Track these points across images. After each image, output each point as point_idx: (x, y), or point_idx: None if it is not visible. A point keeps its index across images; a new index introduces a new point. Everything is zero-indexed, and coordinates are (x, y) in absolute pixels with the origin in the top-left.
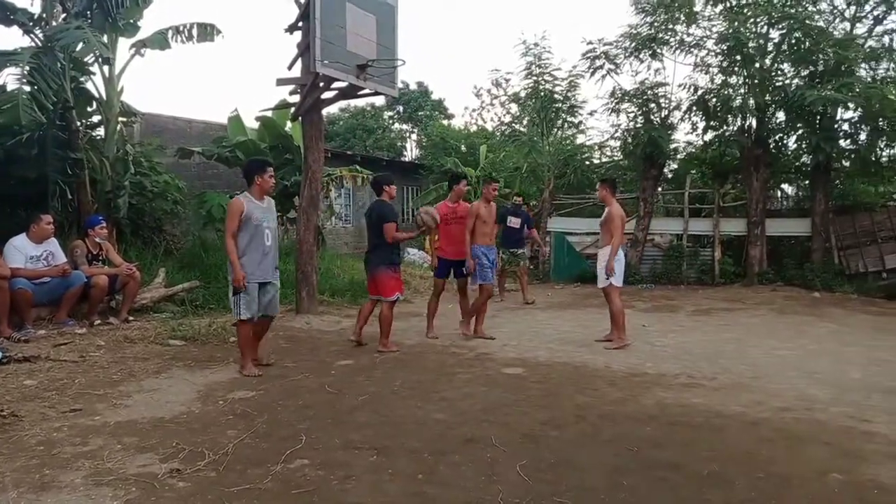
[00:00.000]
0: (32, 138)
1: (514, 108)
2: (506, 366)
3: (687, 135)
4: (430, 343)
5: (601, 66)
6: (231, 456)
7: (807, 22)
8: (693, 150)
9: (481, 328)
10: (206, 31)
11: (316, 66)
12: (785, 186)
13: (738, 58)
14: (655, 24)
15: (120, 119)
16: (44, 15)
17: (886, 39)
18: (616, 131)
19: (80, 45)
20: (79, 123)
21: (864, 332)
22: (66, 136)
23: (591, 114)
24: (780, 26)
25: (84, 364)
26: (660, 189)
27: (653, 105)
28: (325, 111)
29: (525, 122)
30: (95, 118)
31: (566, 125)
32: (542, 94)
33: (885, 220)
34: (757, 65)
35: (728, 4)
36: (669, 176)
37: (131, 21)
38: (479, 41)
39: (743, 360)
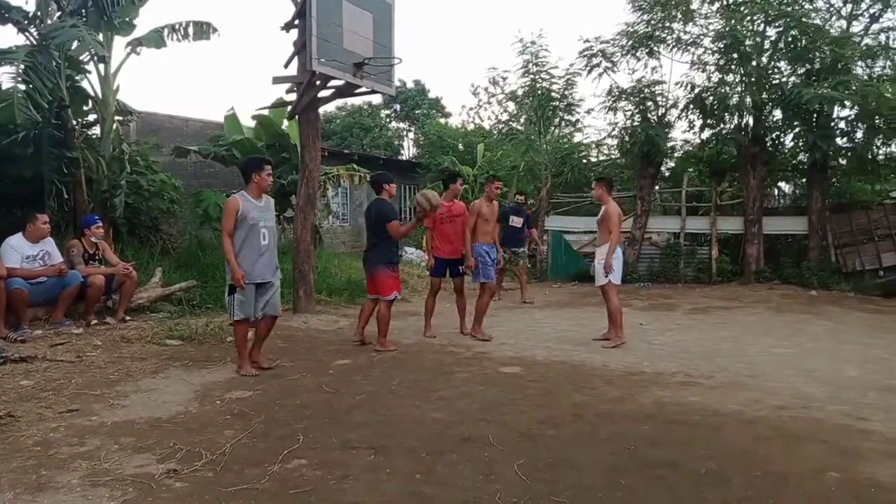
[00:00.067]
0: (28, 137)
1: (511, 106)
2: (503, 365)
3: (684, 133)
4: (428, 342)
5: (598, 65)
6: (228, 456)
7: (803, 20)
8: (690, 149)
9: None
10: (202, 30)
11: (312, 64)
12: (782, 184)
13: (735, 56)
14: (652, 21)
15: (116, 118)
16: (38, 13)
17: (882, 37)
18: (613, 129)
19: (75, 44)
20: (75, 122)
21: (861, 330)
22: (62, 135)
23: (588, 112)
24: (777, 24)
25: (81, 364)
26: (657, 187)
27: (650, 103)
28: (321, 110)
29: (522, 120)
30: (91, 117)
31: (563, 123)
32: (540, 92)
33: (881, 218)
34: (754, 63)
35: (725, 2)
36: (666, 174)
37: (127, 19)
38: (476, 40)
39: (740, 359)
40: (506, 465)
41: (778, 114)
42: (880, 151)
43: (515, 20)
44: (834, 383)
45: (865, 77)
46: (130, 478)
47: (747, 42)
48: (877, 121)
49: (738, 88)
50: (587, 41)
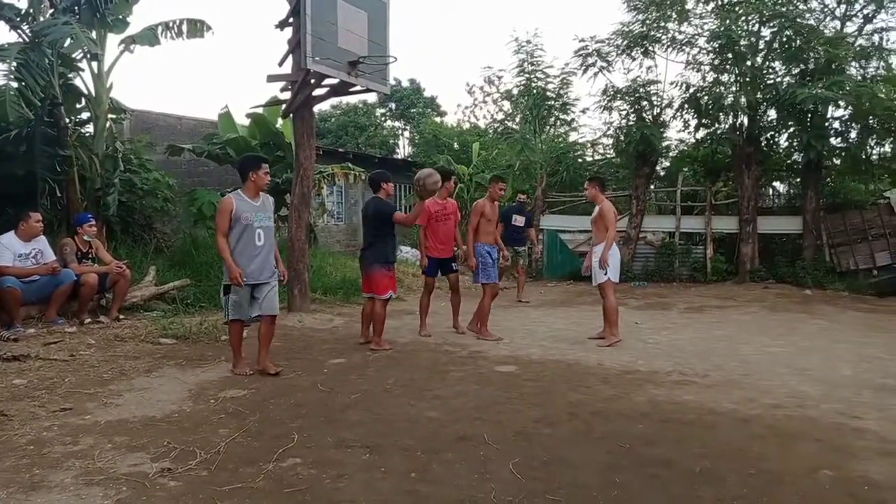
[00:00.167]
0: (20, 135)
1: (506, 105)
2: (498, 364)
3: (679, 132)
4: (423, 341)
5: (593, 64)
6: (223, 455)
7: (797, 20)
8: (685, 148)
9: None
10: (196, 28)
11: (307, 62)
12: (776, 184)
13: (730, 56)
14: (647, 21)
15: (109, 116)
16: (31, 10)
17: (876, 38)
18: (608, 129)
19: (68, 41)
20: (67, 120)
21: (855, 329)
22: (55, 133)
23: (583, 111)
24: (772, 24)
25: (74, 363)
26: (652, 187)
27: (645, 103)
28: (316, 108)
29: (518, 119)
30: (84, 115)
31: (559, 123)
32: (535, 91)
33: (875, 217)
34: (748, 63)
35: (719, 2)
36: (662, 174)
37: (120, 17)
38: (472, 39)
39: (734, 358)
40: (501, 463)
41: (772, 114)
42: (874, 151)
43: (513, 21)
44: (828, 382)
45: (859, 77)
46: (124, 477)
47: (742, 42)
48: (870, 121)
49: (733, 88)
50: (582, 41)
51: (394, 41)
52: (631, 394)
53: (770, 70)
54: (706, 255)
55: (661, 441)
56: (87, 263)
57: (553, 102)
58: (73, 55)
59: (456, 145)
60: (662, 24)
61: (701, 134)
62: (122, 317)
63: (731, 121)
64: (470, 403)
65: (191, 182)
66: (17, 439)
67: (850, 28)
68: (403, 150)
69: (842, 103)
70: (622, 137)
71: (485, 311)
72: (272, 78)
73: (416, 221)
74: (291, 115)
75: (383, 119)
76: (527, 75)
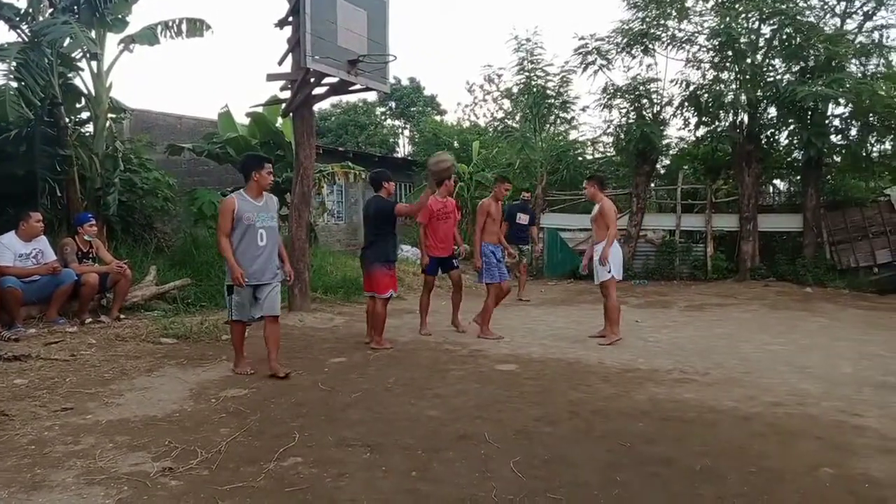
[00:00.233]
0: (20, 135)
1: (506, 103)
2: (499, 362)
3: (679, 130)
4: (424, 340)
5: (593, 62)
6: (224, 454)
7: (797, 17)
8: (685, 146)
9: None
10: (196, 27)
11: (306, 61)
12: (777, 182)
13: (730, 53)
14: (647, 19)
15: (109, 115)
16: (30, 10)
17: (876, 35)
18: (608, 127)
19: (67, 41)
20: (67, 120)
21: (856, 326)
22: (55, 133)
23: (583, 109)
24: (772, 22)
25: (75, 362)
26: (652, 185)
27: (645, 101)
28: (316, 107)
29: (517, 117)
30: (84, 114)
31: (558, 121)
32: (535, 89)
33: (875, 215)
34: (748, 60)
35: (719, 0)
36: (662, 172)
37: (119, 16)
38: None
39: (735, 356)
40: (502, 462)
41: (773, 111)
42: (874, 149)
43: (513, 19)
44: (828, 380)
45: (859, 75)
46: (125, 476)
47: (742, 40)
48: (871, 118)
49: (733, 86)
50: (582, 39)
51: (393, 40)
52: (631, 392)
53: (770, 67)
54: (706, 253)
55: (662, 439)
56: (87, 263)
57: (553, 101)
58: (73, 55)
59: (456, 144)
60: (662, 21)
61: (701, 132)
62: (122, 316)
63: (731, 118)
64: (470, 402)
65: (191, 181)
66: (18, 439)
67: (850, 25)
68: (403, 148)
69: (842, 101)
70: (622, 135)
71: (489, 310)
72: (272, 77)
73: (420, 210)
74: (291, 114)
75: (383, 118)
76: (527, 73)
